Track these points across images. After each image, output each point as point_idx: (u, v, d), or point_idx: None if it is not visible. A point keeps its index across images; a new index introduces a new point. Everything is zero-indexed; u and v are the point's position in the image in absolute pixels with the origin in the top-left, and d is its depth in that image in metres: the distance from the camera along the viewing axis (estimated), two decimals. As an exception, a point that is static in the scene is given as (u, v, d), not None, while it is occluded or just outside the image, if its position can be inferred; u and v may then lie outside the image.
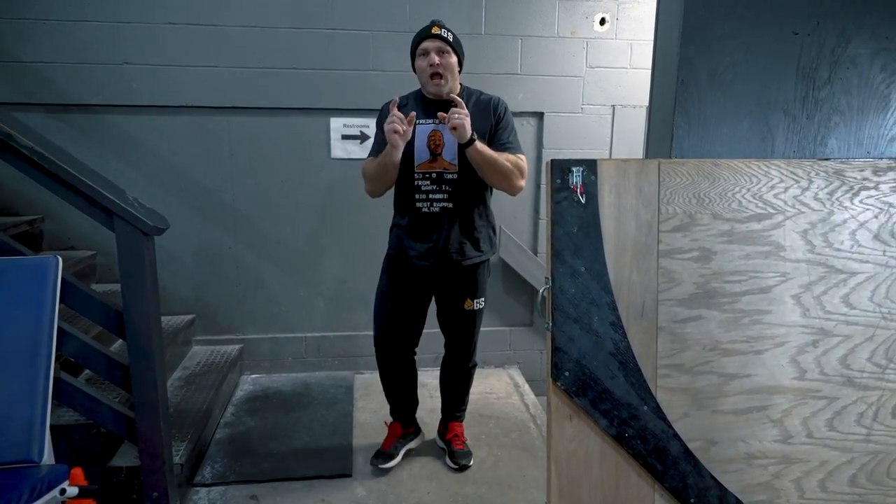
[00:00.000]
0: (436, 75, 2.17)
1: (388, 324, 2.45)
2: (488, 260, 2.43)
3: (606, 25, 3.26)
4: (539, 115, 3.34)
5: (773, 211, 1.60)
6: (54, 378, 1.88)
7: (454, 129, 2.08)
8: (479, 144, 2.14)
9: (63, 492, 1.51)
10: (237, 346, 3.36)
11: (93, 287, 3.13)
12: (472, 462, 2.57)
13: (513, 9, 3.18)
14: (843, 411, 1.66)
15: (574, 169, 1.47)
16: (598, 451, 1.57)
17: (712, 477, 1.59)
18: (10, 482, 1.45)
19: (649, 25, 3.24)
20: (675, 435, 1.58)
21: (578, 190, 1.48)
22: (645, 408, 1.56)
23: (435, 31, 2.17)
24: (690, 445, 1.59)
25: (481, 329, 3.11)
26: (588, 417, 1.55)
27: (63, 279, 1.94)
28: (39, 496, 1.47)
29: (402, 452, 2.61)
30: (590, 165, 1.49)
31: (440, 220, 2.29)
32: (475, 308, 2.42)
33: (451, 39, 2.19)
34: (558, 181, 1.48)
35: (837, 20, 1.68)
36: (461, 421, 2.71)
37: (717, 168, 1.57)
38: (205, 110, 3.11)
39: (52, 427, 2.05)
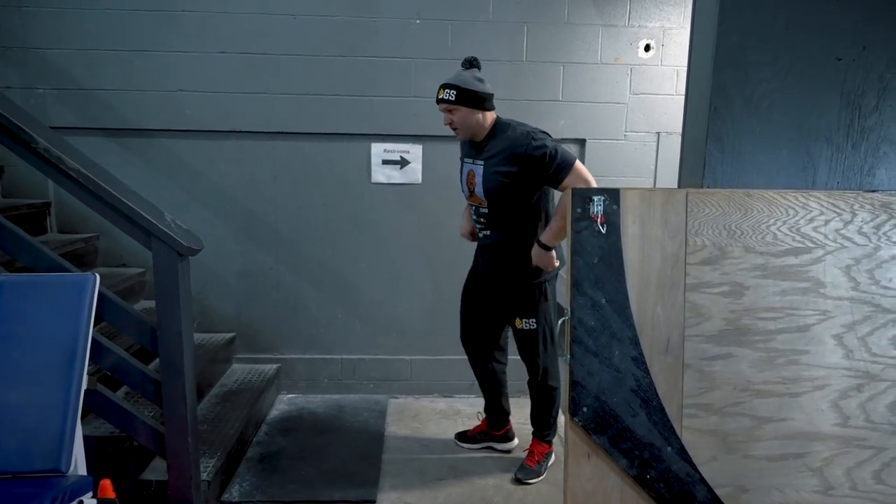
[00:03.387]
0: (454, 130, 2.46)
1: (461, 322, 2.80)
2: (542, 283, 2.51)
3: (651, 52, 3.21)
4: (581, 142, 3.30)
5: (812, 245, 1.51)
6: (91, 390, 1.96)
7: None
8: (546, 241, 2.36)
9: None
10: (275, 366, 3.41)
11: (141, 303, 3.26)
12: (531, 481, 2.63)
13: (555, 36, 3.17)
14: (892, 463, 1.54)
15: (595, 198, 1.44)
16: (619, 492, 1.50)
17: (742, 527, 1.49)
18: (34, 490, 1.50)
19: (696, 51, 3.17)
20: (702, 479, 1.49)
21: (599, 220, 1.44)
22: (669, 449, 1.49)
23: (439, 95, 2.40)
24: (719, 492, 1.50)
25: (517, 357, 3.03)
26: (607, 456, 1.48)
27: (104, 296, 2.02)
28: (61, 507, 1.51)
29: (481, 444, 2.91)
30: (612, 195, 1.45)
31: (485, 245, 2.59)
32: (524, 328, 2.55)
33: (452, 99, 2.37)
34: (578, 210, 1.44)
35: (886, 45, 1.59)
36: (543, 441, 2.74)
37: (750, 199, 1.50)
38: (251, 135, 3.22)
39: (87, 438, 2.13)
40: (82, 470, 1.83)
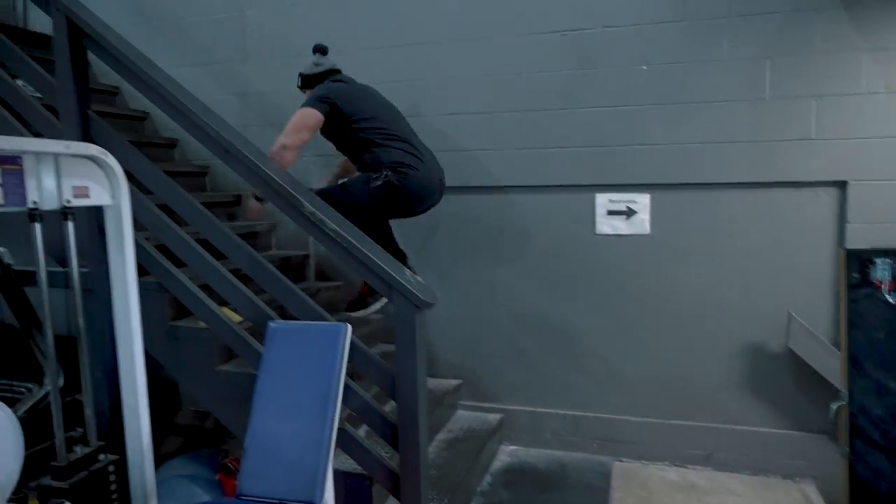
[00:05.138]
0: None
1: None
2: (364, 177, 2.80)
3: (938, 73, 2.69)
4: (840, 185, 2.85)
5: None
6: (340, 428, 2.16)
7: None
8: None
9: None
10: (498, 416, 3.45)
11: (379, 346, 3.56)
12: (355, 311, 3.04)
13: (803, 67, 2.83)
14: None
15: (878, 260, 1.21)
16: None
17: None
18: (293, 520, 1.68)
19: None
20: None
21: (885, 286, 1.20)
22: None
23: None
24: None
25: (763, 429, 2.69)
26: (904, 579, 1.20)
27: (353, 343, 2.24)
28: (313, 536, 1.67)
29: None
30: (902, 255, 1.21)
31: None
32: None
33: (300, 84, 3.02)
34: (856, 275, 1.23)
35: None
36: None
37: None
38: (476, 189, 3.37)
39: (333, 471, 2.35)
40: (331, 502, 2.01)
